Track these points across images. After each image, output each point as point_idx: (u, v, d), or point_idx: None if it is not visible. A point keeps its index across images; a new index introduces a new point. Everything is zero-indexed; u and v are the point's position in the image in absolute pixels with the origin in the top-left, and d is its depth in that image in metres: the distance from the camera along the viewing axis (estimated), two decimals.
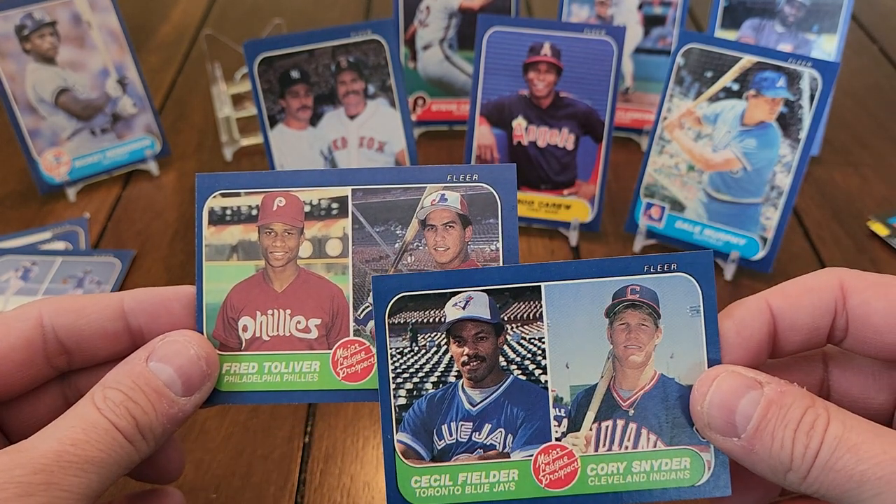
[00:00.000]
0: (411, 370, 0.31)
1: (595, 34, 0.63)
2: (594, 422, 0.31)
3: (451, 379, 0.31)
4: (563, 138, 0.65)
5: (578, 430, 0.31)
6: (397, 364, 0.31)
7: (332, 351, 0.31)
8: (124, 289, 0.38)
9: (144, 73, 0.74)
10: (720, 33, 0.72)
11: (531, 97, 0.65)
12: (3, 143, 0.78)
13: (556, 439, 0.31)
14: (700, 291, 0.30)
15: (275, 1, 1.06)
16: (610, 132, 0.64)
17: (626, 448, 0.31)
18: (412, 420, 0.31)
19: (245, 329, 0.31)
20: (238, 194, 0.32)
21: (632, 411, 0.31)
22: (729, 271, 0.62)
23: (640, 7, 0.74)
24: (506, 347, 0.31)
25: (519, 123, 0.66)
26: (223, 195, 0.31)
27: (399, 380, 0.31)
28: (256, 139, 0.76)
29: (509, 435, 0.31)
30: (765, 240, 0.61)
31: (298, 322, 0.31)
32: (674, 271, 0.30)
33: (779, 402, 0.25)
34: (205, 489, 0.47)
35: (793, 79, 0.58)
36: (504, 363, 0.31)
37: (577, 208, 0.66)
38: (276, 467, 0.48)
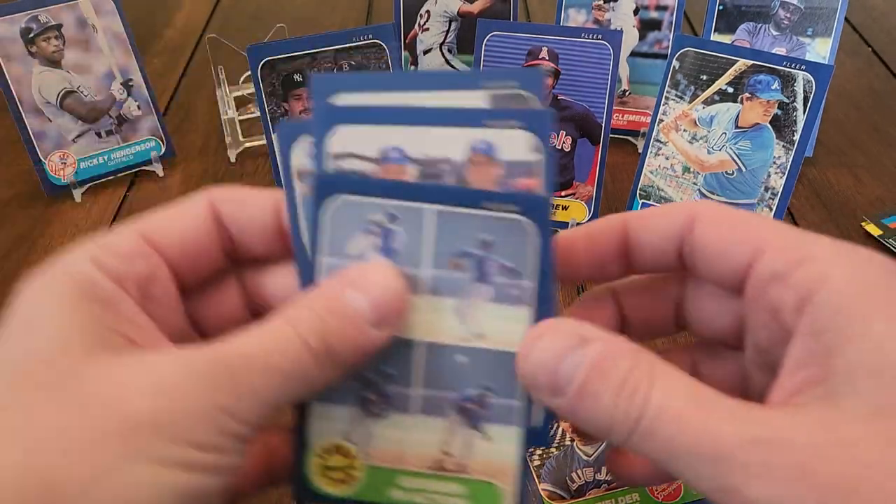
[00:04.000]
0: None
1: (592, 38, 0.64)
2: None
3: (567, 442, 0.48)
4: (560, 140, 0.66)
5: None
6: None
7: None
8: None
9: (149, 76, 0.75)
10: (715, 37, 0.73)
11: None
12: (9, 145, 0.79)
13: None
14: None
15: (277, 6, 1.08)
16: (607, 134, 0.66)
17: None
18: (547, 474, 0.47)
19: None
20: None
21: None
22: None
23: (637, 11, 0.75)
24: None
25: None
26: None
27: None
28: (260, 141, 0.77)
29: None
30: None
31: None
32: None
33: (601, 364, 0.24)
34: None
35: (787, 82, 0.59)
36: None
37: (574, 209, 0.67)
38: None
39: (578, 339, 0.24)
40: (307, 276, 0.28)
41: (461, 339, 0.28)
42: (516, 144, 0.28)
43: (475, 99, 0.29)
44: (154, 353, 0.24)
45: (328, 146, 0.28)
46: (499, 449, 0.28)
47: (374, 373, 0.28)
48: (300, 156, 0.29)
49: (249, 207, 0.29)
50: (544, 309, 0.27)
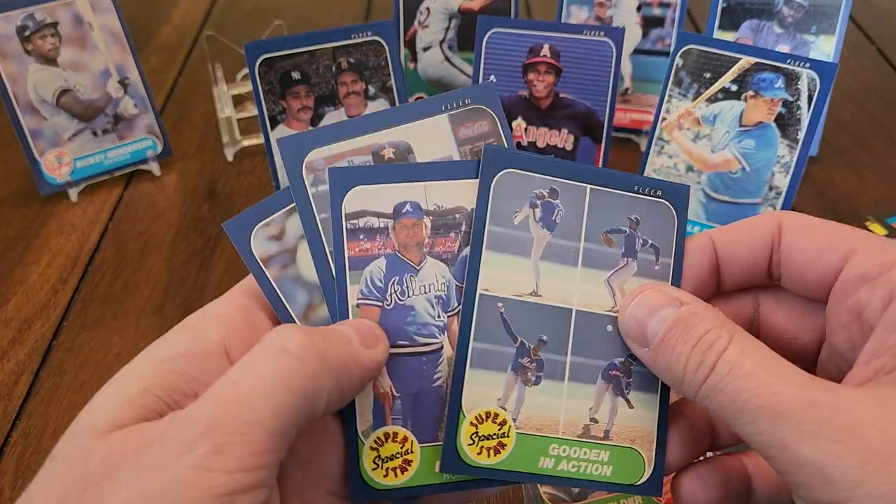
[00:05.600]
0: None
1: (594, 35, 0.63)
2: None
3: None
4: (562, 139, 0.66)
5: None
6: None
7: None
8: None
9: (146, 73, 0.74)
10: (718, 34, 0.73)
11: (531, 98, 0.65)
12: (4, 144, 0.78)
13: None
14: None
15: (275, 2, 1.07)
16: (609, 133, 0.65)
17: None
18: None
19: None
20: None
21: None
22: None
23: (639, 8, 0.75)
24: None
25: (518, 124, 0.66)
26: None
27: None
28: (257, 139, 0.76)
29: None
30: None
31: None
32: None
33: (686, 320, 0.27)
34: None
35: (791, 80, 0.58)
36: None
37: None
38: None
39: (673, 300, 0.28)
40: (335, 310, 0.30)
41: (611, 309, 0.30)
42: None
43: (441, 123, 0.31)
44: (158, 422, 0.24)
45: (344, 206, 0.30)
46: (641, 415, 0.30)
47: (531, 339, 0.29)
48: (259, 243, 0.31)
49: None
50: (677, 286, 0.30)
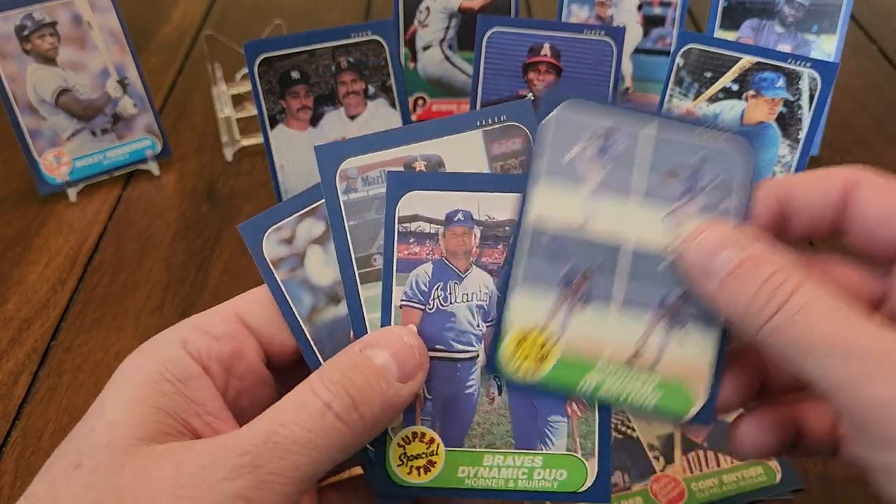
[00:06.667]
0: None
1: (595, 35, 0.63)
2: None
3: None
4: None
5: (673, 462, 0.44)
6: None
7: None
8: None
9: (145, 73, 0.74)
10: (719, 34, 0.72)
11: (531, 97, 0.65)
12: (3, 144, 0.78)
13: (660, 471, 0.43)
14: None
15: (275, 2, 1.07)
16: None
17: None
18: None
19: None
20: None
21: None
22: None
23: (640, 7, 0.74)
24: None
25: None
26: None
27: None
28: (257, 139, 0.76)
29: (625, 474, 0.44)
30: None
31: None
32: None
33: (756, 258, 0.26)
34: None
35: (792, 79, 0.58)
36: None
37: None
38: None
39: (742, 239, 0.26)
40: (357, 314, 0.31)
41: (666, 247, 0.29)
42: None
43: (475, 138, 0.32)
44: (192, 444, 0.25)
45: (398, 209, 0.30)
46: (693, 352, 0.29)
47: (581, 265, 0.29)
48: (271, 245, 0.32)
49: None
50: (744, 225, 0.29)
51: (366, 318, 0.31)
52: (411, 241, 0.31)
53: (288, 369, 0.31)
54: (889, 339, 0.23)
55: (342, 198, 0.31)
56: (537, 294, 0.29)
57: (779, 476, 0.44)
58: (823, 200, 0.29)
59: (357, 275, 0.31)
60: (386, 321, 0.30)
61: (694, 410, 0.29)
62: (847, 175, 0.29)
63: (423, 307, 0.30)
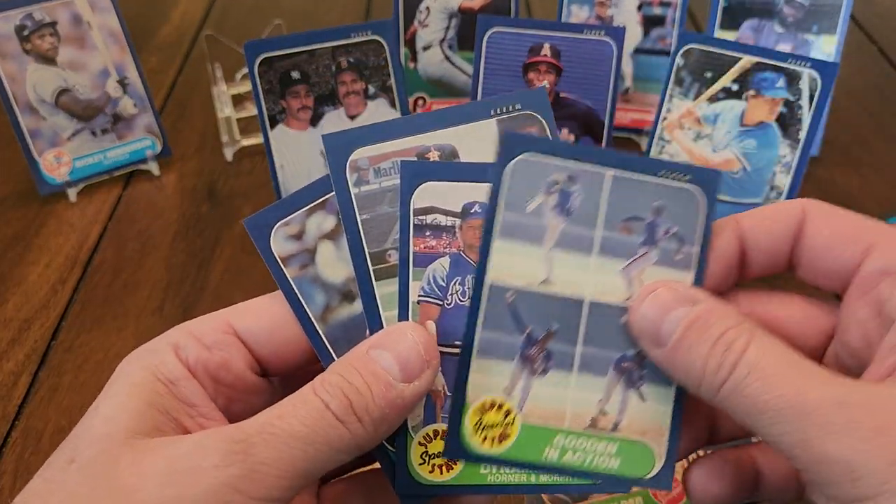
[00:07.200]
0: None
1: (595, 35, 0.63)
2: None
3: None
4: (563, 138, 0.65)
5: None
6: None
7: None
8: None
9: (145, 73, 0.74)
10: (719, 34, 0.72)
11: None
12: (3, 144, 0.78)
13: None
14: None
15: (275, 1, 1.07)
16: (610, 132, 0.65)
17: None
18: None
19: None
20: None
21: None
22: None
23: (640, 8, 0.74)
24: None
25: None
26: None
27: None
28: (257, 139, 0.76)
29: None
30: None
31: None
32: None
33: (704, 318, 0.26)
34: None
35: (792, 79, 0.58)
36: None
37: None
38: None
39: (688, 299, 0.27)
40: (373, 312, 0.30)
41: (625, 299, 0.29)
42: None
43: (488, 127, 0.31)
44: (185, 437, 0.25)
45: (413, 201, 0.29)
46: (653, 409, 0.29)
47: (539, 329, 0.29)
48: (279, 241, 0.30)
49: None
50: (701, 275, 0.29)
51: (382, 316, 0.30)
52: (427, 234, 0.29)
53: (289, 377, 0.31)
54: (839, 388, 0.23)
55: (353, 190, 0.30)
56: (499, 361, 0.29)
57: None
58: (778, 235, 0.29)
59: (371, 271, 0.30)
60: (404, 318, 0.29)
61: (655, 470, 0.29)
62: (798, 207, 0.29)
63: (441, 302, 0.29)
